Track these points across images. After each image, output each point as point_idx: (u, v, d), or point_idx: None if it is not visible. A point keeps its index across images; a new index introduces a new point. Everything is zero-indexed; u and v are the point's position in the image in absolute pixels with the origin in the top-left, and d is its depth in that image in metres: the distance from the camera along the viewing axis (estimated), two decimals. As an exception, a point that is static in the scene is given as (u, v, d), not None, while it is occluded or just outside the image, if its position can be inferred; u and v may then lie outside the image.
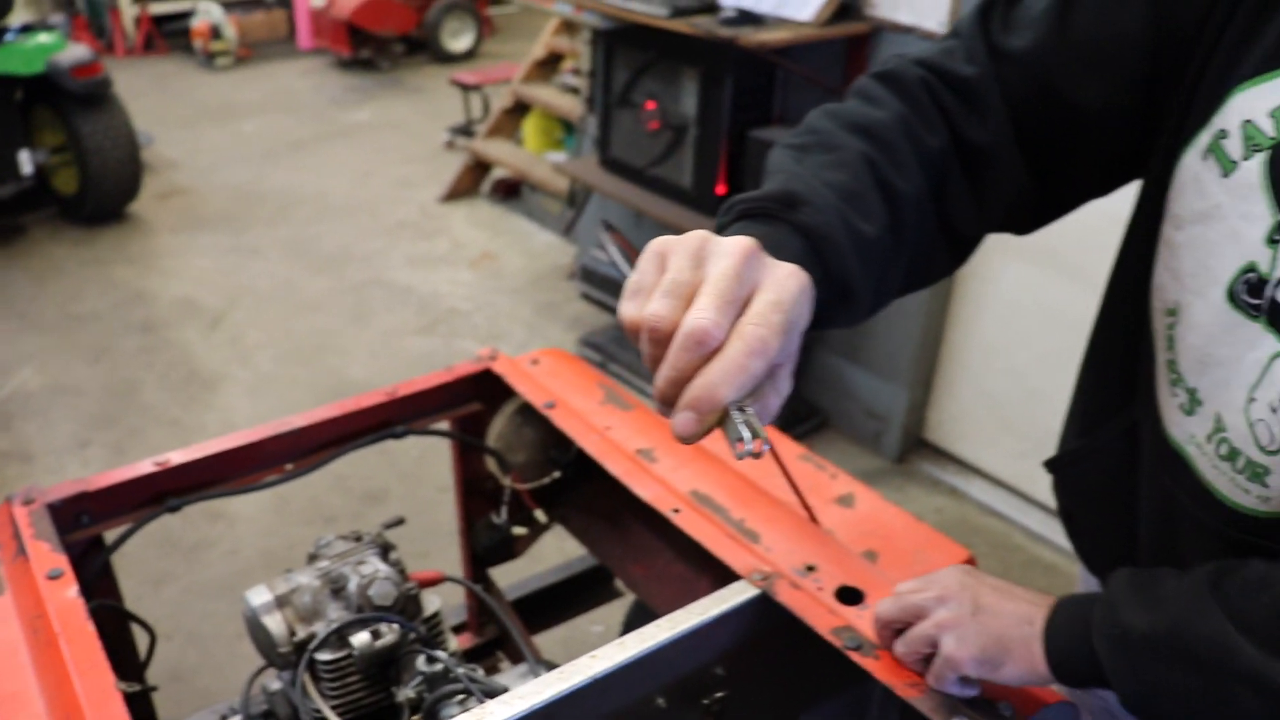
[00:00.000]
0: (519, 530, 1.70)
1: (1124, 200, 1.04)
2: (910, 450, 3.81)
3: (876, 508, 1.79)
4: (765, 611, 1.14)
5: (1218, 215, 0.83)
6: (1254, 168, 0.80)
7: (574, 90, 5.47)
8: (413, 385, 1.58)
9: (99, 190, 5.54)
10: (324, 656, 1.30)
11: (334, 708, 1.30)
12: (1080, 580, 1.29)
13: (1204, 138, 0.84)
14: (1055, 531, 3.30)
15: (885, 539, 1.72)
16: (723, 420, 0.68)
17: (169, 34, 9.67)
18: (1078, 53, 0.92)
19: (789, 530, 1.26)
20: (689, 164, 3.64)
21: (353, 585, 1.35)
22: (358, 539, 1.44)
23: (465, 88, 6.87)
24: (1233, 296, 0.83)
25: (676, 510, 1.30)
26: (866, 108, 0.95)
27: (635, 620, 1.95)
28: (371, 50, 9.09)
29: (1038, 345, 3.30)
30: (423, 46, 9.42)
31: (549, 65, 5.87)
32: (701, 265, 0.70)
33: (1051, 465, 1.19)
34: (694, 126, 3.55)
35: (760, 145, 3.38)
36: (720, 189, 3.53)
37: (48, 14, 8.16)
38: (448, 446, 1.75)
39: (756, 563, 1.19)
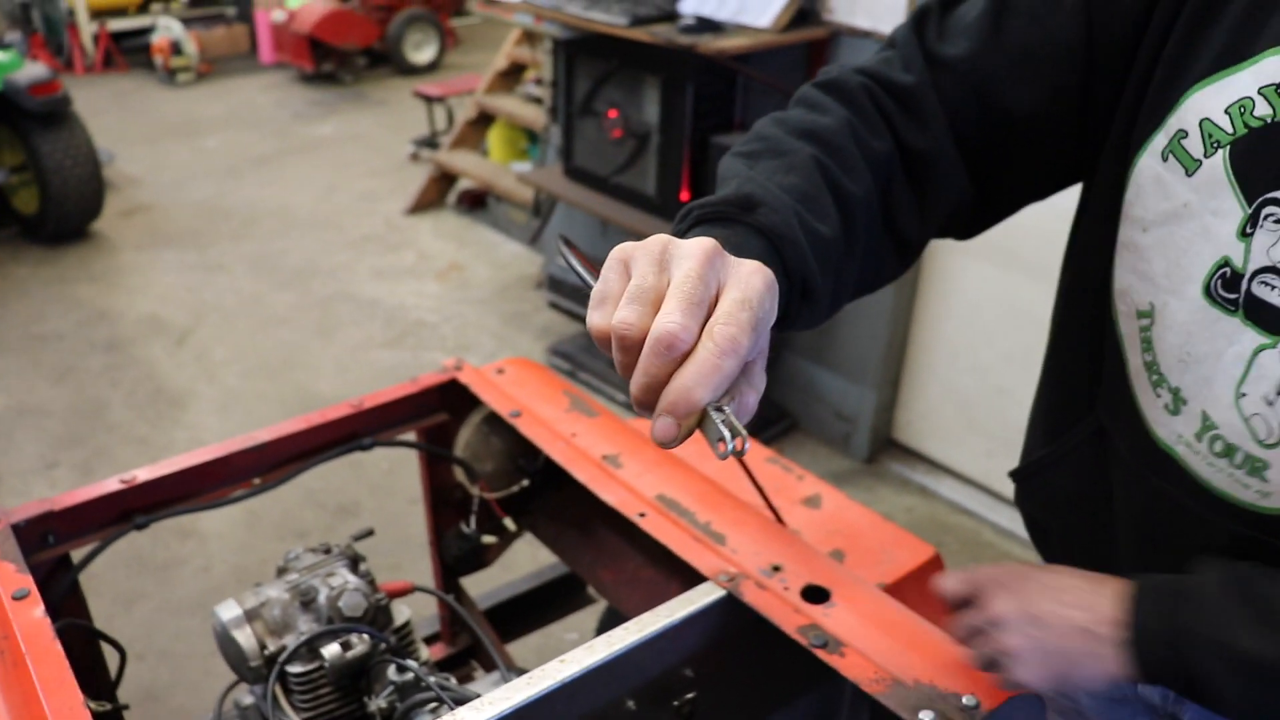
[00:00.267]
0: (489, 539, 1.70)
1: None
2: (880, 450, 3.84)
3: (843, 507, 1.81)
4: (731, 612, 1.15)
5: (1186, 214, 0.85)
6: (1217, 164, 0.81)
7: (537, 100, 5.48)
8: (378, 397, 1.58)
9: (60, 209, 5.50)
10: (295, 669, 1.30)
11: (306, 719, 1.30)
12: None
13: (1160, 140, 0.86)
14: (1024, 528, 3.33)
15: (852, 538, 1.74)
16: (702, 422, 0.68)
17: (129, 50, 9.61)
18: (1012, 59, 0.94)
19: (755, 532, 1.27)
20: (652, 171, 3.65)
21: (322, 597, 1.35)
22: (327, 551, 1.44)
23: (429, 100, 6.87)
24: (1209, 292, 0.84)
25: (642, 514, 1.31)
26: (812, 114, 0.96)
27: (608, 626, 1.96)
28: (334, 64, 9.07)
29: (1001, 343, 3.34)
30: (385, 59, 9.41)
31: (512, 76, 5.87)
32: (665, 269, 0.70)
33: (1017, 475, 1.18)
34: (656, 134, 3.57)
35: (723, 151, 3.38)
36: (684, 195, 3.54)
37: (3, 32, 8.09)
38: (418, 459, 1.75)
39: (723, 564, 1.20)
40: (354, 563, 1.43)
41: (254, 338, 4.72)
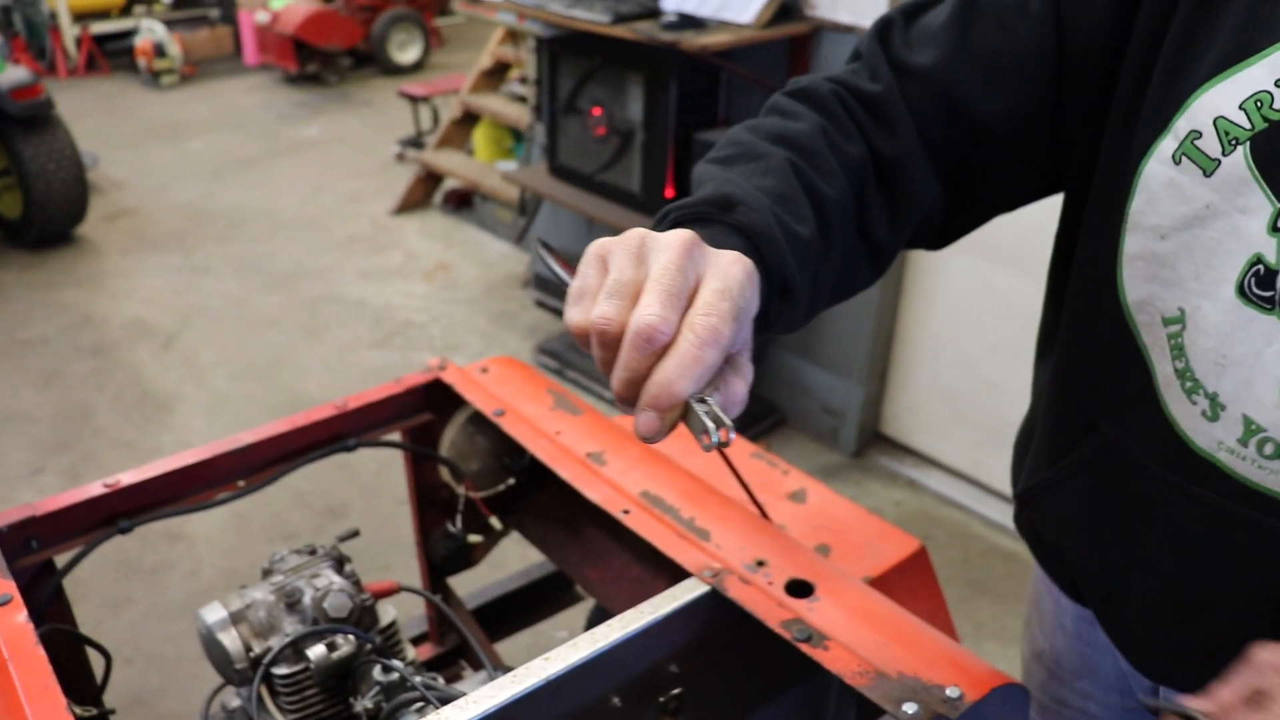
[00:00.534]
0: (475, 538, 1.70)
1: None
2: (867, 444, 3.85)
3: (828, 502, 1.81)
4: (716, 607, 1.15)
5: (1210, 215, 0.82)
6: (1238, 161, 0.79)
7: (522, 99, 5.47)
8: (362, 398, 1.58)
9: (44, 213, 5.48)
10: (281, 670, 1.30)
11: (293, 722, 1.30)
12: (1036, 576, 1.29)
13: (1168, 143, 0.83)
14: (1012, 519, 3.34)
15: (837, 532, 1.74)
16: (685, 414, 0.67)
17: (112, 53, 9.57)
18: (979, 66, 0.93)
19: (739, 527, 1.27)
20: (637, 169, 3.66)
21: (307, 598, 1.35)
22: (312, 553, 1.44)
23: (414, 99, 6.86)
24: (1243, 292, 0.81)
25: (627, 511, 1.31)
26: (785, 121, 0.94)
27: (597, 623, 1.95)
28: (318, 65, 9.05)
29: (987, 336, 3.35)
30: (370, 60, 9.39)
31: (496, 75, 5.87)
32: (643, 262, 0.69)
33: (1023, 499, 1.15)
34: (640, 131, 3.57)
35: (707, 148, 3.39)
36: (669, 192, 3.55)
37: (-14, 37, 8.07)
38: (405, 459, 1.75)
39: (707, 560, 1.20)
40: (339, 564, 1.43)
41: (241, 340, 4.71)
